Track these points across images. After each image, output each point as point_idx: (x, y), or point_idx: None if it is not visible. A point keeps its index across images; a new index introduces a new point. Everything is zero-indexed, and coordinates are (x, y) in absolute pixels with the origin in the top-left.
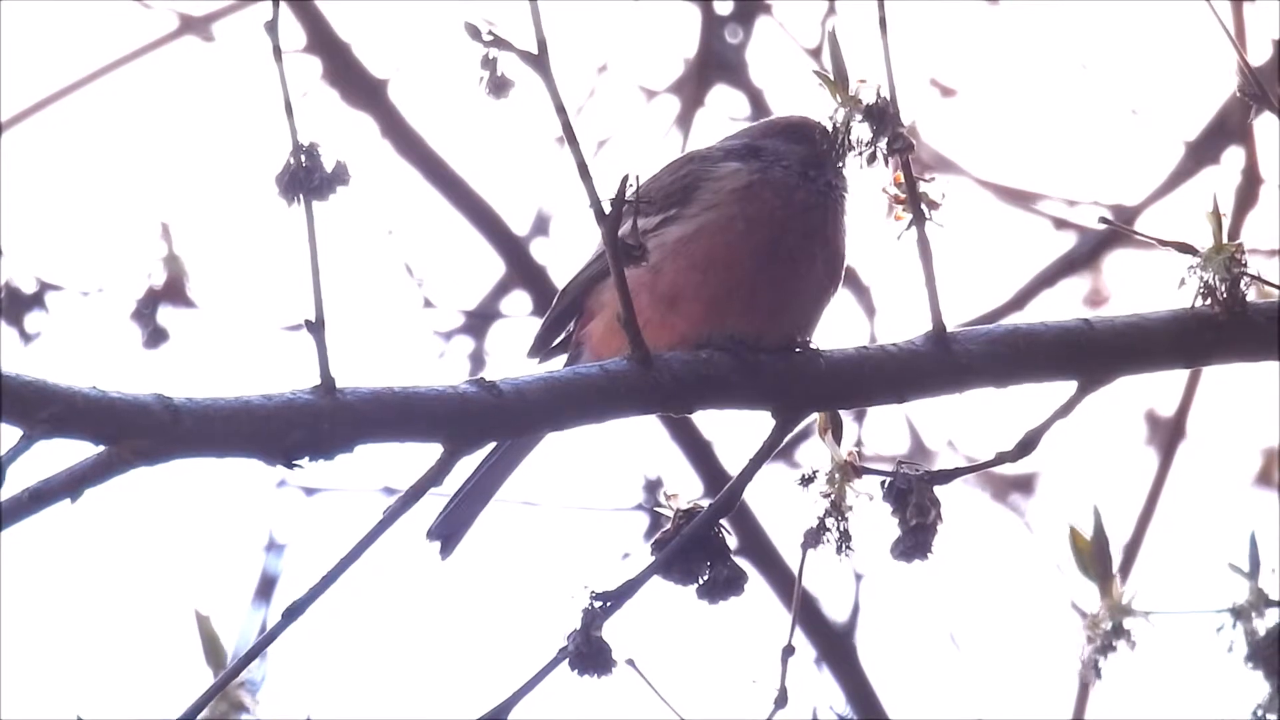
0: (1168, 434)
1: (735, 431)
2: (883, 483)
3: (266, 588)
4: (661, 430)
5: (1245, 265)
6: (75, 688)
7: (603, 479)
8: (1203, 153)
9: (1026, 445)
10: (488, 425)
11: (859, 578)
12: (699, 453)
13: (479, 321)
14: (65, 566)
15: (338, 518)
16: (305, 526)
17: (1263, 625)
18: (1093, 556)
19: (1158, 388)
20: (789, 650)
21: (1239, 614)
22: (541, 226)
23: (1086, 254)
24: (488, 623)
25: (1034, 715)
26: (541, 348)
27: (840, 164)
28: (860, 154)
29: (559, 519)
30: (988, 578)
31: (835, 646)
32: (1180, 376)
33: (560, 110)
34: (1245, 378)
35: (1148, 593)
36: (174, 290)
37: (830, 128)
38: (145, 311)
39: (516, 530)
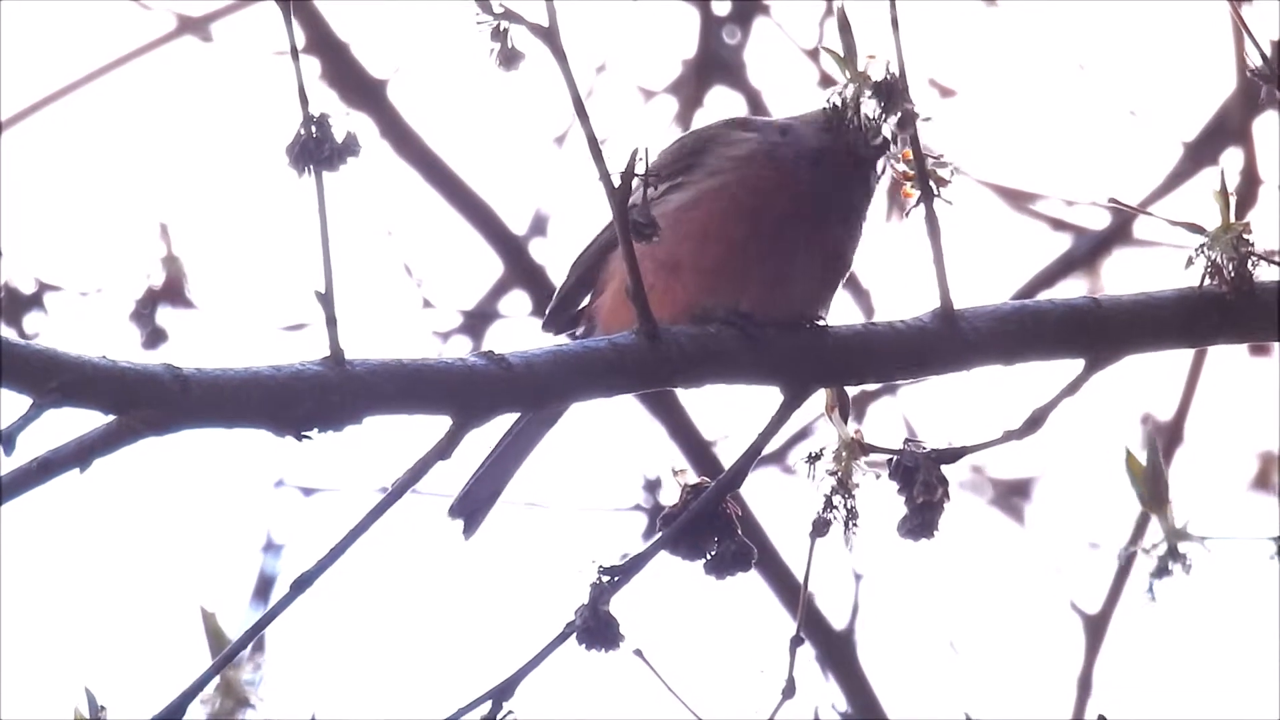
0: (1165, 438)
1: (733, 429)
2: (889, 460)
3: (264, 588)
4: (660, 429)
5: (1253, 245)
6: (73, 685)
7: (601, 479)
8: (1201, 153)
9: (1034, 422)
10: (496, 398)
11: (858, 578)
12: (697, 450)
13: (477, 321)
14: (64, 563)
15: (335, 518)
16: (303, 527)
17: None
18: (1147, 479)
19: (1155, 390)
20: (798, 640)
21: None
22: (540, 226)
23: (1084, 254)
24: (487, 620)
25: (1033, 716)
26: (556, 319)
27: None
28: (868, 131)
29: (557, 519)
30: (987, 579)
31: (834, 646)
32: (1178, 380)
33: (569, 79)
34: (1242, 380)
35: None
36: (173, 291)
37: (839, 103)
38: (144, 312)
39: (514, 530)
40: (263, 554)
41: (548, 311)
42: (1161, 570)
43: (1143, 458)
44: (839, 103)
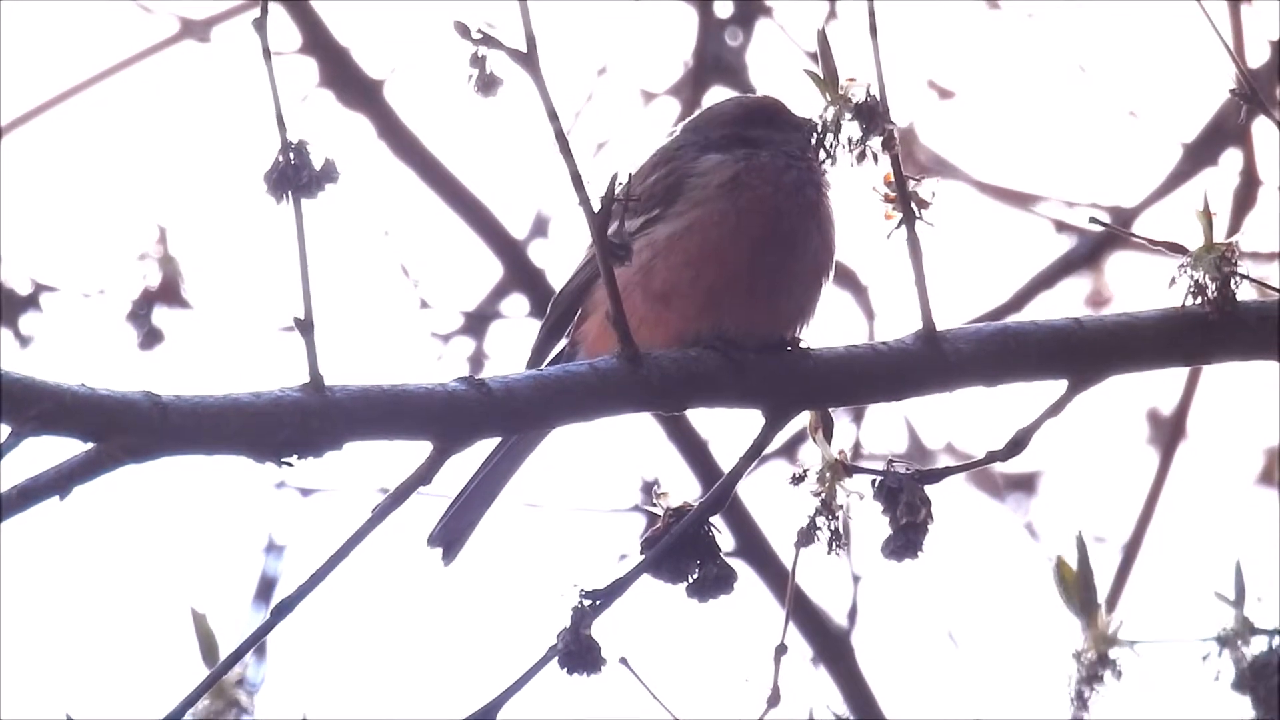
0: (1168, 433)
1: (732, 431)
2: (873, 482)
3: (266, 589)
4: (658, 430)
5: (1236, 264)
6: (74, 688)
7: (600, 480)
8: (1200, 155)
9: (1017, 444)
10: (477, 423)
11: (857, 579)
12: (695, 452)
13: (477, 323)
14: (66, 569)
15: (336, 519)
16: (304, 528)
17: (1248, 653)
18: (1078, 587)
19: (1157, 387)
20: (782, 649)
21: (1225, 642)
22: (540, 228)
23: (1085, 255)
24: (483, 623)
25: (1032, 716)
26: (539, 358)
27: (821, 154)
28: (850, 152)
29: (556, 520)
30: (986, 578)
31: (832, 647)
32: (1180, 376)
33: (547, 104)
34: (1245, 377)
35: (1134, 620)
36: (169, 292)
37: (820, 125)
38: (140, 313)
39: (513, 531)
40: (265, 555)
41: (531, 350)
42: (1092, 678)
43: (1074, 563)
44: (820, 125)
